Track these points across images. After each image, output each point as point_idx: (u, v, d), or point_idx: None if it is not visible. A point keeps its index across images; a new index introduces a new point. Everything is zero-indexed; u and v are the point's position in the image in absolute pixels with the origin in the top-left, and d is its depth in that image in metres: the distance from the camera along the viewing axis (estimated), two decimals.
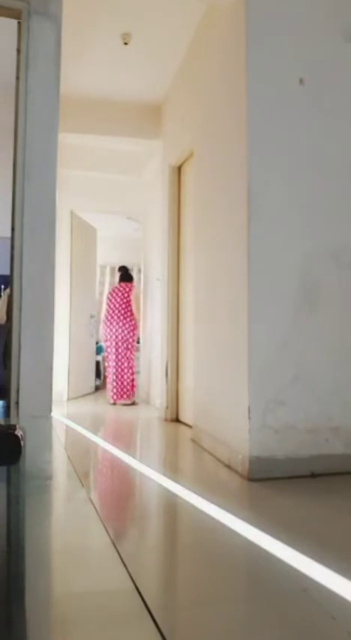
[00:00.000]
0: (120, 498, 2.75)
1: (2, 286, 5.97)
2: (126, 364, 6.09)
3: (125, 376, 6.06)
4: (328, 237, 3.04)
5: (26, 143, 2.89)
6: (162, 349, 5.04)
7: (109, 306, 6.22)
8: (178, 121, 4.73)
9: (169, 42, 4.32)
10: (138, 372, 6.63)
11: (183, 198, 4.86)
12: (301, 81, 3.04)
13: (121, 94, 5.25)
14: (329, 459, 2.88)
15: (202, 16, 3.94)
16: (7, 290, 4.52)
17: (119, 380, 6.04)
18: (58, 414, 4.98)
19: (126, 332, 6.10)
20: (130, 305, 6.11)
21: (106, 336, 6.19)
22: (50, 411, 2.91)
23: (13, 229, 2.88)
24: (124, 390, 6.03)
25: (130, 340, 6.13)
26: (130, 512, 2.49)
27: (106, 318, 6.20)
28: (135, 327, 6.16)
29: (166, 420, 4.78)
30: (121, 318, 6.11)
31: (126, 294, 6.18)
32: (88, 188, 6.39)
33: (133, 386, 6.10)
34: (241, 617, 1.50)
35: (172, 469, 3.24)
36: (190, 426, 4.19)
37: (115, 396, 6.02)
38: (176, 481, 2.78)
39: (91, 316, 7.01)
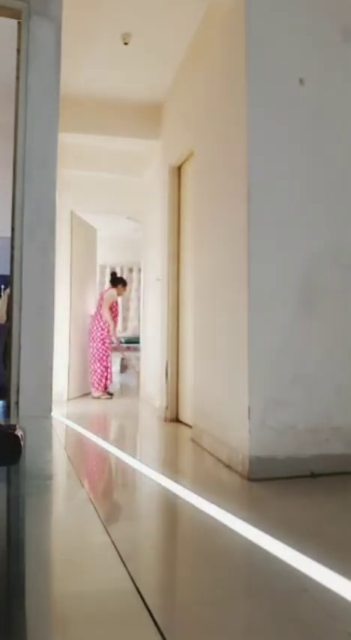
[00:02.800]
0: (120, 498, 2.75)
1: (2, 286, 5.97)
2: (97, 355, 6.58)
3: (96, 365, 6.56)
4: (328, 237, 3.04)
5: (26, 143, 2.89)
6: (162, 349, 5.04)
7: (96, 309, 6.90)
8: (178, 121, 4.73)
9: (170, 42, 4.32)
10: (137, 372, 6.78)
11: (183, 198, 4.86)
12: (301, 81, 3.04)
13: (121, 94, 5.25)
14: (329, 459, 2.88)
15: (202, 16, 3.93)
16: (7, 290, 4.52)
17: (92, 370, 6.59)
18: (58, 414, 4.98)
19: (96, 332, 6.62)
20: (101, 308, 6.66)
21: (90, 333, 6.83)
22: (50, 411, 2.91)
23: (13, 229, 2.88)
24: (95, 382, 6.52)
25: (99, 335, 6.62)
26: (130, 512, 2.49)
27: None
28: (102, 324, 6.63)
29: (165, 420, 4.77)
30: (96, 315, 6.67)
31: (100, 299, 6.76)
32: (88, 188, 6.39)
33: (103, 379, 6.54)
34: (241, 617, 1.50)
35: (172, 469, 3.24)
36: (190, 426, 4.19)
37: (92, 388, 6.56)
38: (176, 481, 2.78)
39: (92, 316, 7.02)
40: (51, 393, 2.91)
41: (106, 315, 6.57)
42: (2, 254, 3.46)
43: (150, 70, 4.79)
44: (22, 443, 0.98)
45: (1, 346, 4.50)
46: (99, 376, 6.50)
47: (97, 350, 6.54)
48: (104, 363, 6.55)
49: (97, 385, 6.48)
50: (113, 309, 6.71)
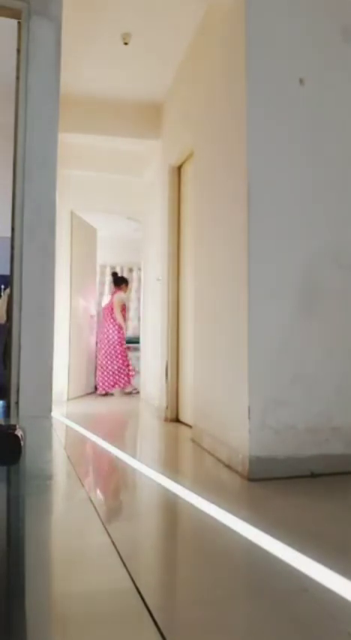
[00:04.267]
0: (120, 498, 2.75)
1: (2, 286, 5.98)
2: (114, 356, 6.90)
3: (116, 366, 6.87)
4: (328, 237, 3.04)
5: (26, 143, 2.89)
6: (162, 349, 5.04)
7: (103, 309, 7.24)
8: (178, 121, 4.73)
9: (170, 42, 4.32)
10: (138, 372, 6.99)
11: (183, 198, 4.86)
12: (301, 81, 3.04)
13: (122, 94, 5.25)
14: (329, 459, 2.88)
15: (202, 17, 3.93)
16: (7, 290, 4.52)
17: (111, 370, 6.86)
18: (58, 414, 4.98)
19: (111, 331, 6.95)
20: (113, 308, 7.01)
21: (99, 335, 7.15)
22: (50, 411, 2.91)
23: (13, 229, 2.89)
24: (116, 379, 6.83)
25: (116, 337, 6.96)
26: (130, 512, 2.49)
27: (100, 319, 7.25)
28: (117, 327, 6.98)
29: (166, 419, 4.78)
30: (107, 319, 6.98)
31: (110, 303, 7.09)
32: (88, 188, 6.39)
33: (125, 374, 6.89)
34: (241, 617, 1.50)
35: (172, 469, 3.24)
36: (190, 426, 4.19)
37: (103, 386, 6.81)
38: (176, 481, 2.78)
39: (92, 316, 7.02)
40: (51, 393, 2.91)
41: (119, 318, 6.92)
42: (2, 254, 3.46)
43: (150, 70, 4.79)
44: (22, 443, 0.98)
45: (1, 346, 4.51)
46: (124, 374, 6.86)
47: (115, 351, 6.87)
48: (126, 362, 6.93)
49: (124, 383, 6.84)
50: (123, 311, 7.10)
